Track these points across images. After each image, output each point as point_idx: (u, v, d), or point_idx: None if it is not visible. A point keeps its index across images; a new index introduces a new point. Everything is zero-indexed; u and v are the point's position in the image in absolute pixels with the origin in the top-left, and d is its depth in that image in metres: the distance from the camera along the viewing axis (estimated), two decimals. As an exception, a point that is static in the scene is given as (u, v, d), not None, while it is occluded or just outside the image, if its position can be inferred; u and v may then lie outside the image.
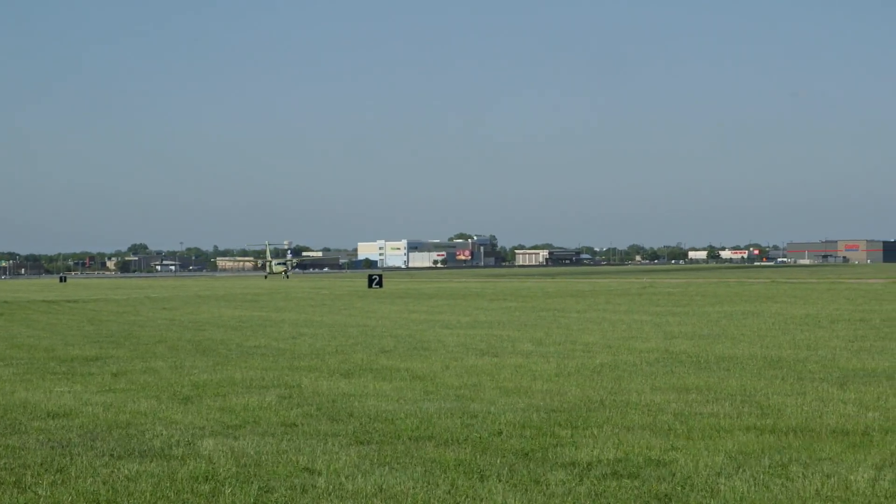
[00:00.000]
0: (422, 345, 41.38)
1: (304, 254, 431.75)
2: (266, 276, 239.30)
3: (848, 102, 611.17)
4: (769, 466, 16.97)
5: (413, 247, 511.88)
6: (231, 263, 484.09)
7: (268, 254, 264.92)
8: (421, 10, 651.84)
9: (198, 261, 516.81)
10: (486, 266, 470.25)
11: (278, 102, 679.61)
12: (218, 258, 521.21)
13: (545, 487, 15.85)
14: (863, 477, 16.18)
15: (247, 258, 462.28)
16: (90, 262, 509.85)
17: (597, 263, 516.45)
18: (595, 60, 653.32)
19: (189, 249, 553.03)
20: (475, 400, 24.89)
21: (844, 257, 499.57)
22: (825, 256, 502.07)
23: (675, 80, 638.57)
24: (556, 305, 74.83)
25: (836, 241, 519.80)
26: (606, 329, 49.21)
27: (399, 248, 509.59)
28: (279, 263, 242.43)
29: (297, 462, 17.79)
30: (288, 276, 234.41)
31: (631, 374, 29.92)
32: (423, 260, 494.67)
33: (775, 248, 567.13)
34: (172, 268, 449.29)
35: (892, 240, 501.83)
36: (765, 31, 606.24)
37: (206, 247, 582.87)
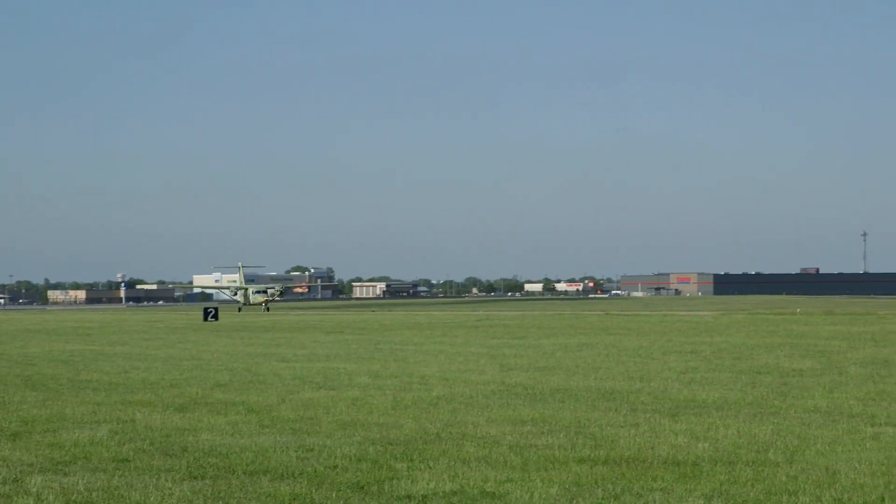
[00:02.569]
0: (257, 378, 41.04)
1: (140, 286, 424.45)
2: (239, 310, 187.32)
3: (672, 137, 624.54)
4: (602, 497, 17.15)
5: (250, 279, 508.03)
6: (63, 296, 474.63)
7: (240, 279, 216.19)
8: (244, 42, 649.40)
9: (28, 294, 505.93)
10: (323, 299, 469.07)
11: (101, 130, 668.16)
12: (49, 291, 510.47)
13: (381, 521, 15.79)
14: (693, 506, 16.44)
15: (79, 290, 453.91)
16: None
17: (434, 296, 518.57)
18: (427, 92, 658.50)
19: (19, 283, 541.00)
20: (311, 433, 24.74)
21: (676, 290, 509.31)
22: (658, 289, 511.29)
23: (504, 114, 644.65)
24: (393, 338, 74.86)
25: (668, 274, 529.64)
26: (443, 361, 49.37)
27: (235, 281, 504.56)
28: (258, 292, 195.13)
29: (129, 498, 17.46)
30: (268, 309, 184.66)
31: (467, 406, 30.04)
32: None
33: (609, 280, 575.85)
34: (1, 301, 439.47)
35: (723, 272, 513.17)
36: (584, 64, 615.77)
37: (37, 279, 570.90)
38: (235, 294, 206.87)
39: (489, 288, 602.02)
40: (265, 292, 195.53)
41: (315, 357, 54.53)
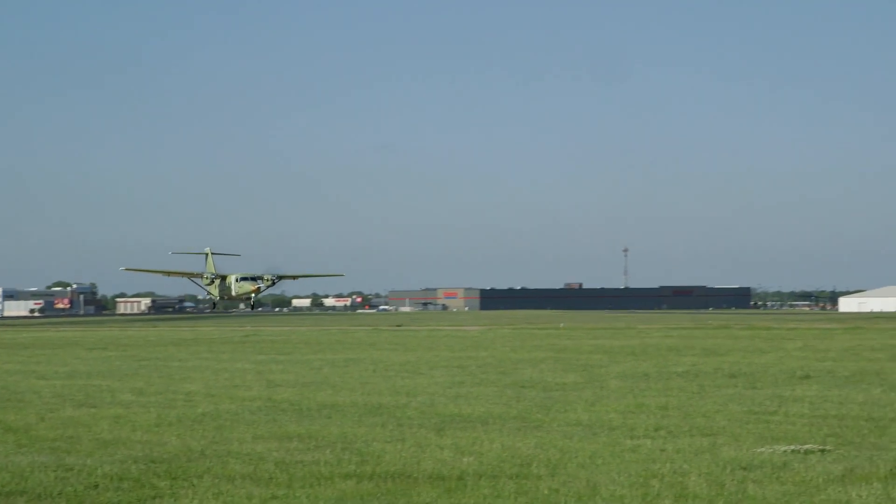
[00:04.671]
0: (15, 396, 39.83)
1: None
2: (214, 305, 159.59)
3: (436, 155, 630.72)
4: (368, 513, 17.15)
5: (8, 295, 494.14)
6: None
7: (209, 263, 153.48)
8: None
9: None
10: (86, 315, 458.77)
11: None
12: None
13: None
14: (458, 520, 16.57)
15: None
16: None
17: (200, 311, 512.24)
18: (207, 114, 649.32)
19: None
20: (71, 452, 24.12)
21: (444, 304, 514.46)
22: (425, 304, 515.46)
23: (251, 132, 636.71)
24: (157, 354, 73.65)
25: (435, 289, 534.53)
26: (209, 377, 48.76)
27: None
28: (245, 279, 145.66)
29: None
30: (254, 306, 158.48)
31: (233, 423, 29.72)
32: (19, 309, 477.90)
33: (378, 295, 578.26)
34: None
35: (489, 288, 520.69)
36: (358, 86, 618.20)
37: None
38: (211, 283, 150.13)
39: (257, 303, 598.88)
40: (255, 280, 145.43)
41: (76, 374, 53.23)
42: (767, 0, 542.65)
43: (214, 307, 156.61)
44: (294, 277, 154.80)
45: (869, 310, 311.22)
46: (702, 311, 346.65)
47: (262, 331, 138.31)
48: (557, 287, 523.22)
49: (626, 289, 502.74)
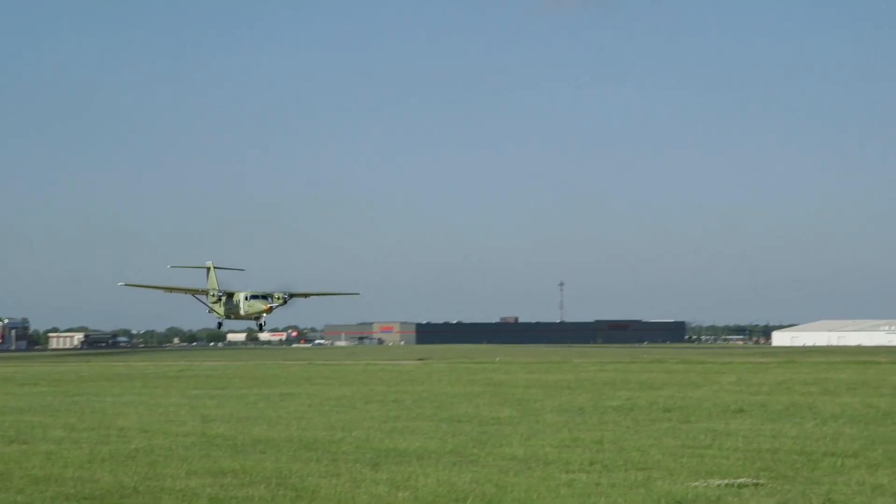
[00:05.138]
0: (-55, 433, 39.28)
1: None
2: (220, 325, 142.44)
3: (371, 188, 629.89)
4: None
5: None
6: None
7: (212, 279, 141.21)
8: None
9: None
10: (18, 350, 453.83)
11: None
12: None
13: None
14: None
15: None
16: None
17: (134, 346, 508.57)
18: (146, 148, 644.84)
19: None
20: (2, 490, 23.84)
21: (380, 339, 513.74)
22: (361, 338, 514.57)
23: (189, 157, 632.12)
24: (90, 389, 72.98)
25: (371, 323, 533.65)
26: (143, 413, 48.36)
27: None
28: (255, 298, 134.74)
29: None
30: (262, 327, 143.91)
31: (167, 458, 29.49)
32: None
33: (313, 329, 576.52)
34: None
35: (425, 322, 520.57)
36: (279, 120, 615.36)
37: None
38: (217, 301, 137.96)
39: (191, 338, 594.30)
40: (266, 298, 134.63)
41: (7, 410, 52.62)
42: (685, 42, 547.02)
43: (220, 327, 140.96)
44: (305, 296, 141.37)
45: (801, 344, 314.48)
46: (637, 344, 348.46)
47: (196, 365, 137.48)
48: (493, 321, 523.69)
49: (562, 323, 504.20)
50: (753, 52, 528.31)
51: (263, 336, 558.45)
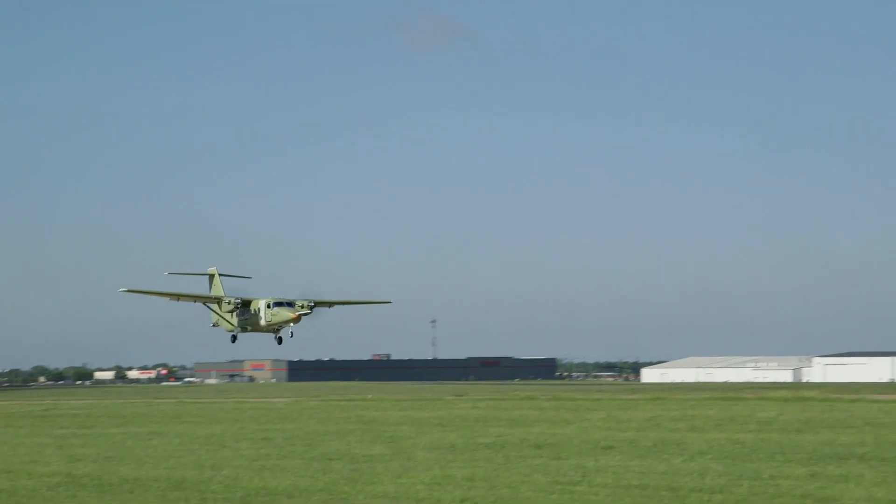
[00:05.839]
0: None
1: None
2: (234, 339, 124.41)
3: (234, 224, 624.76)
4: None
5: None
6: None
7: (216, 286, 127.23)
8: None
9: None
10: None
11: None
12: None
13: None
14: None
15: None
16: None
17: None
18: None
19: None
20: None
21: (251, 376, 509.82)
22: (232, 376, 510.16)
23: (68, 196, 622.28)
24: (-48, 429, 71.24)
25: (242, 361, 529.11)
26: (6, 453, 47.37)
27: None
28: (279, 305, 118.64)
29: None
30: (281, 341, 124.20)
31: (30, 499, 28.93)
32: None
33: (184, 367, 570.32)
34: None
35: (297, 359, 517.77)
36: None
37: None
38: (234, 311, 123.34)
39: (57, 376, 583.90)
40: (291, 305, 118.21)
41: None
42: (551, 80, 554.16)
43: (234, 341, 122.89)
44: (330, 304, 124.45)
45: (670, 380, 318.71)
46: (508, 381, 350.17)
47: (62, 404, 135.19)
48: (366, 358, 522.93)
49: (435, 360, 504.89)
50: (619, 89, 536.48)
51: (132, 374, 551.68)
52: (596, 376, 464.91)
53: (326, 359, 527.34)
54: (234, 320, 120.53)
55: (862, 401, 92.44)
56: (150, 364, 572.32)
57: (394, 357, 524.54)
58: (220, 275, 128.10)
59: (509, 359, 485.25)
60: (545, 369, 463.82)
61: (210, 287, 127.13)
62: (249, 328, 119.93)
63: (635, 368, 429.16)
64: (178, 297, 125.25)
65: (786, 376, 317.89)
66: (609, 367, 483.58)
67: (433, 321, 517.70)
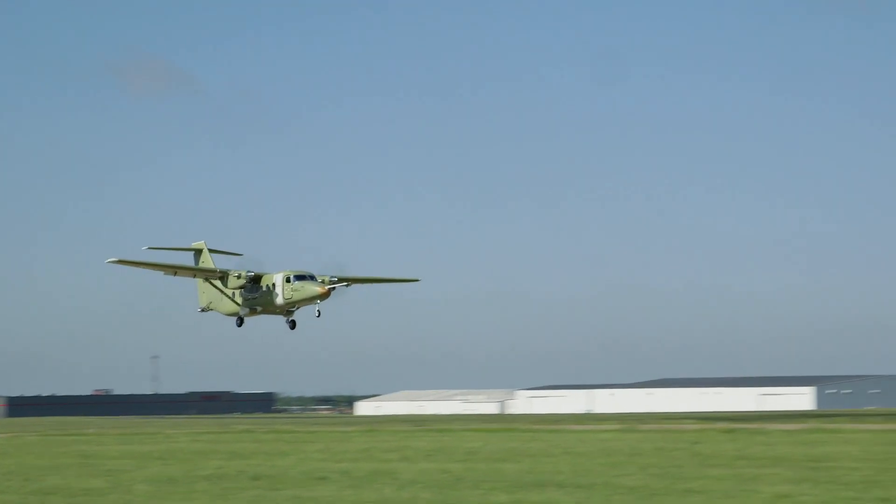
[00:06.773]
0: None
1: None
2: (240, 323, 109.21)
3: None
4: None
5: None
6: None
7: (206, 261, 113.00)
8: None
9: None
10: None
11: None
12: None
13: None
14: None
15: None
16: None
17: None
18: None
19: None
20: None
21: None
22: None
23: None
24: None
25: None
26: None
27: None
28: (301, 278, 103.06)
29: None
30: (293, 327, 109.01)
31: None
32: None
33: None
34: None
35: (17, 395, 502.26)
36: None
37: None
38: (242, 287, 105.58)
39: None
40: (313, 278, 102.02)
41: None
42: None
43: (241, 325, 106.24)
44: (357, 281, 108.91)
45: (384, 413, 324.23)
46: (228, 415, 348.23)
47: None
48: (87, 393, 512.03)
49: (156, 395, 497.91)
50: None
51: None
52: (313, 409, 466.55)
53: (46, 394, 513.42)
54: (240, 299, 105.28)
55: (561, 431, 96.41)
56: None
57: (115, 392, 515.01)
58: (209, 250, 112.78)
59: (229, 393, 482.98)
60: (264, 403, 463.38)
61: (196, 264, 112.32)
62: (259, 309, 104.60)
63: (350, 401, 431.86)
64: (174, 270, 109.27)
65: (492, 408, 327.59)
66: (326, 400, 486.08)
67: (154, 357, 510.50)
